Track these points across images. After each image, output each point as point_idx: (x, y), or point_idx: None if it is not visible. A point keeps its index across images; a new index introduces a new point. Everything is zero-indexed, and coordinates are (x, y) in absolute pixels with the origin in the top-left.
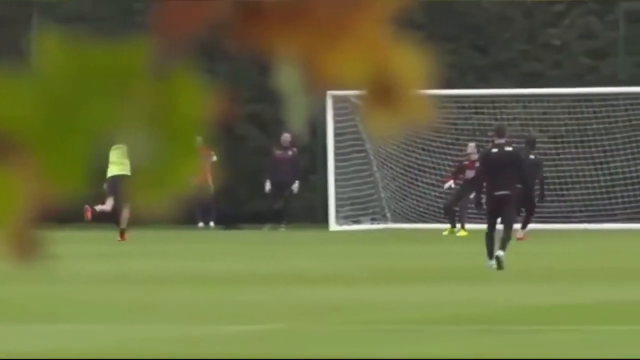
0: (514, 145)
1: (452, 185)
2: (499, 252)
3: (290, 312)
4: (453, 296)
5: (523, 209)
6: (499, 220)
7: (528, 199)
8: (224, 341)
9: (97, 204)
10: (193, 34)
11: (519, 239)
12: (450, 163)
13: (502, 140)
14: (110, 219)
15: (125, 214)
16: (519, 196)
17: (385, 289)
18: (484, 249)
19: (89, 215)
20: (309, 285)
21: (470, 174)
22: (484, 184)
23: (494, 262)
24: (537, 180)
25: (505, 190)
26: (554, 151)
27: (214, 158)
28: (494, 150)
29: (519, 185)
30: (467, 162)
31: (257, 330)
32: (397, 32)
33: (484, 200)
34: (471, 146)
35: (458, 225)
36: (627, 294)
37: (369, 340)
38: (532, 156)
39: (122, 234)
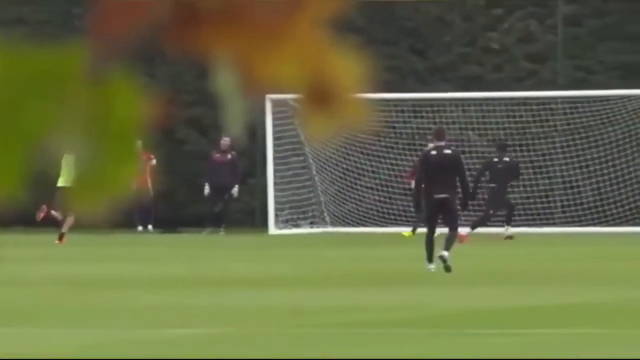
0: (452, 148)
1: None
2: (444, 253)
3: (230, 316)
4: (394, 300)
5: (503, 210)
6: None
7: (465, 203)
8: (167, 345)
9: (54, 207)
10: (130, 37)
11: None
12: (389, 166)
13: (442, 143)
14: (55, 224)
15: (70, 220)
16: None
17: (324, 293)
18: (424, 253)
19: (41, 215)
20: (248, 289)
21: None
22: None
23: (433, 266)
24: (512, 182)
25: (445, 194)
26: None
27: (154, 162)
28: (433, 152)
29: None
30: None
31: (199, 334)
32: (335, 35)
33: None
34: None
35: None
36: (568, 297)
37: (308, 343)
38: (506, 158)
39: (61, 237)
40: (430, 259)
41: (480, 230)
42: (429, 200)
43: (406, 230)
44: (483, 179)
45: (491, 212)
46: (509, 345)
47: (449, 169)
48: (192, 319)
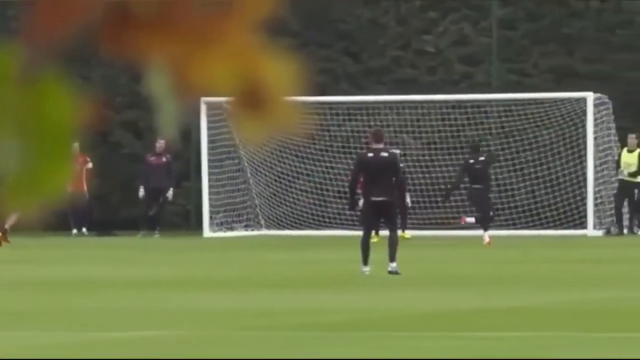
0: (390, 150)
1: None
2: (392, 265)
3: (164, 319)
4: (327, 303)
5: (478, 211)
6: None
7: (403, 206)
8: (99, 347)
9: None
10: (62, 39)
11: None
12: (324, 169)
13: (380, 145)
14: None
15: (13, 219)
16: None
17: (258, 296)
18: (359, 255)
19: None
20: (183, 291)
21: None
22: (360, 189)
23: (368, 268)
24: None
25: (383, 196)
26: (427, 157)
27: (90, 165)
28: (370, 154)
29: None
30: None
31: (132, 337)
32: (268, 39)
33: (361, 203)
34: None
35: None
36: (502, 300)
37: (241, 346)
38: (482, 158)
39: (4, 233)
40: (365, 261)
41: (413, 233)
42: (367, 203)
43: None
44: (466, 179)
45: (491, 213)
46: (448, 348)
47: (386, 172)
48: (129, 321)
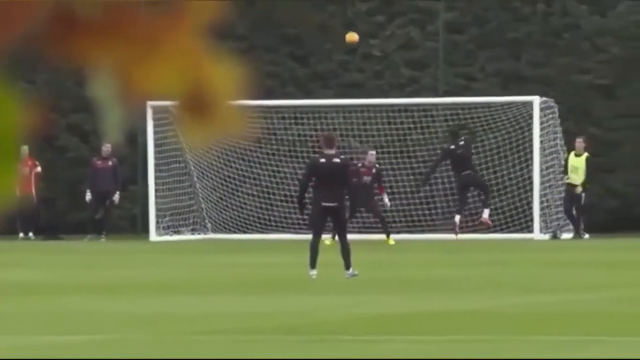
0: (342, 157)
1: None
2: (348, 272)
3: (110, 322)
4: (275, 306)
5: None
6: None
7: (353, 210)
8: (45, 351)
9: None
10: (6, 43)
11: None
12: (270, 173)
13: (332, 151)
14: None
15: None
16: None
17: (205, 299)
18: (306, 260)
19: None
20: (129, 295)
21: (366, 179)
22: (310, 193)
23: (315, 272)
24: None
25: (333, 202)
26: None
27: (39, 169)
28: (322, 160)
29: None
30: (364, 169)
31: (78, 341)
32: (214, 43)
33: (311, 207)
34: (371, 154)
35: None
36: (451, 303)
37: (189, 350)
38: (461, 142)
39: None
40: (313, 264)
41: (358, 237)
42: (317, 207)
43: (391, 239)
44: (446, 163)
45: (488, 184)
46: (395, 351)
47: (337, 178)
48: (76, 325)
